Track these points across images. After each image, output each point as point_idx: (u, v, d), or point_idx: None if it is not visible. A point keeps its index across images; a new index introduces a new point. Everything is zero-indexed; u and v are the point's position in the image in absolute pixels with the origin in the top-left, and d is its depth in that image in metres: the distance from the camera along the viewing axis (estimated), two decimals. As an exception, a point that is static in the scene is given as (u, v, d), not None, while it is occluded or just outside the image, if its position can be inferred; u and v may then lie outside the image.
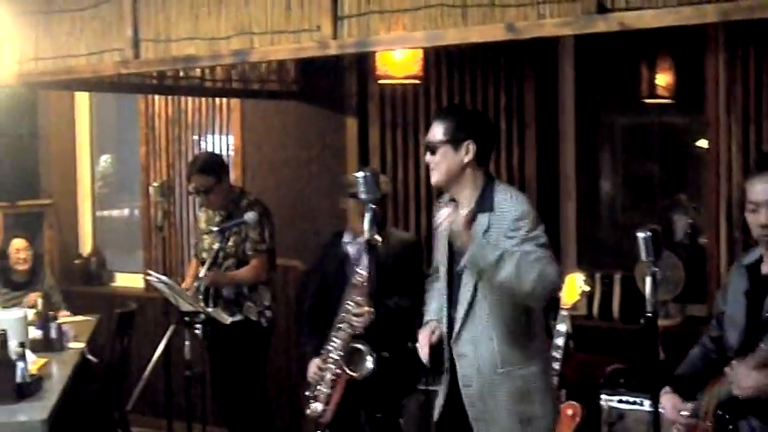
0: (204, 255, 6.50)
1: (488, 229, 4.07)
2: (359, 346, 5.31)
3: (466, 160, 4.15)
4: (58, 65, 5.53)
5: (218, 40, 4.85)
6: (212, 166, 6.51)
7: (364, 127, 7.14)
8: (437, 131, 4.16)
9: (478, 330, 4.12)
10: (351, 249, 5.71)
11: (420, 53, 6.34)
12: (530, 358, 4.16)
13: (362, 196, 4.14)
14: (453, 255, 4.20)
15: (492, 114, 6.64)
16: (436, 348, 4.25)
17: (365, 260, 5.03)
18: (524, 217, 4.06)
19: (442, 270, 4.30)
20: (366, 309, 5.25)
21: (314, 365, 5.60)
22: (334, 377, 5.51)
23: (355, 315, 5.38)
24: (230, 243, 6.40)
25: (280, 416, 6.85)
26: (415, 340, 4.36)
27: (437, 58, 6.71)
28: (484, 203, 4.15)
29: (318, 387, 5.59)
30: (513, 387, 4.13)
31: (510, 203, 4.11)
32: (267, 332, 6.56)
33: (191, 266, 6.83)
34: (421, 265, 5.69)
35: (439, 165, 4.16)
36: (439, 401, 4.34)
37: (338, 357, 5.45)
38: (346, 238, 5.76)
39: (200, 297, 6.28)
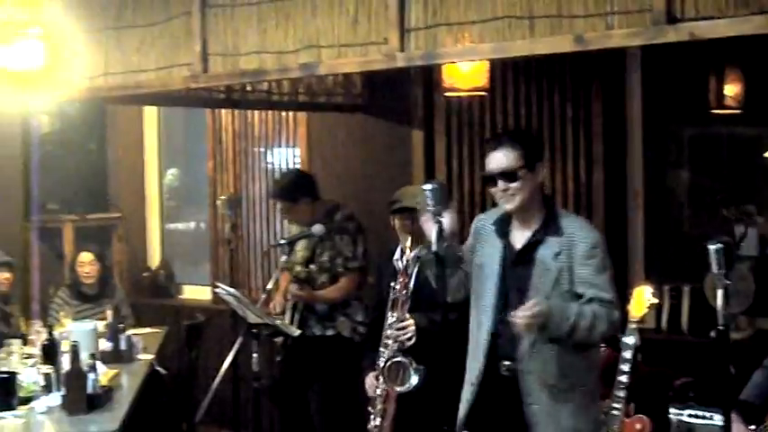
0: (298, 268, 6.53)
1: (559, 254, 4.08)
2: (401, 359, 5.32)
3: (539, 182, 4.19)
4: (128, 80, 5.58)
5: (285, 53, 4.86)
6: (287, 187, 6.56)
7: (430, 139, 7.14)
8: (511, 158, 4.14)
9: (548, 349, 4.10)
10: (400, 265, 5.75)
11: (486, 65, 6.33)
12: (589, 373, 4.18)
13: (430, 208, 4.13)
14: (507, 273, 4.20)
15: (558, 126, 6.62)
16: None
17: (415, 273, 5.14)
18: (598, 246, 4.09)
19: (490, 285, 4.27)
20: (408, 322, 5.27)
21: (369, 380, 5.60)
22: (384, 391, 5.52)
23: (399, 329, 5.40)
24: (324, 258, 6.43)
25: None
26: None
27: (503, 69, 6.69)
28: (550, 227, 4.15)
29: (376, 402, 5.60)
30: (573, 406, 4.12)
31: (581, 231, 4.13)
32: (359, 347, 6.52)
33: (281, 280, 6.81)
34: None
35: (521, 190, 4.14)
36: (462, 412, 4.33)
37: (383, 371, 5.49)
38: (396, 254, 5.80)
39: (291, 311, 6.35)
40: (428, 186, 4.15)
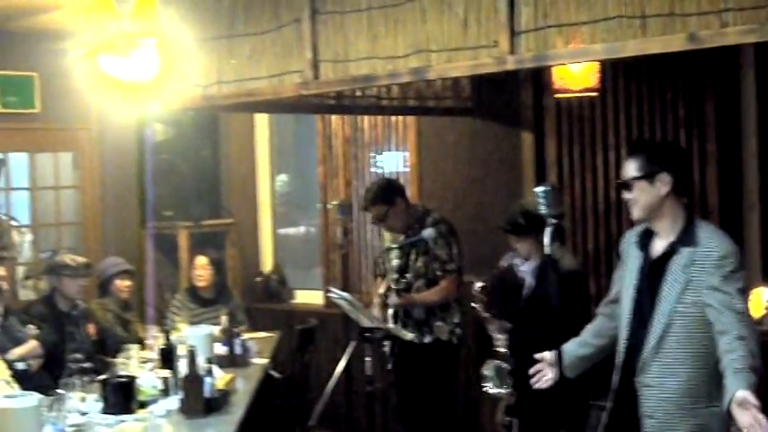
0: (393, 274, 6.56)
1: (690, 265, 4.04)
2: (496, 363, 5.45)
3: (663, 192, 4.14)
4: (240, 88, 5.65)
5: (395, 58, 4.88)
6: (381, 194, 6.56)
7: (540, 141, 7.11)
8: (630, 168, 4.17)
9: (668, 362, 4.06)
10: (525, 273, 5.77)
11: (597, 65, 6.29)
12: (715, 398, 4.01)
13: (543, 211, 4.12)
14: (643, 284, 4.16)
15: (671, 126, 6.53)
16: None
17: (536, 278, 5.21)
18: (729, 256, 4.02)
19: (627, 297, 4.24)
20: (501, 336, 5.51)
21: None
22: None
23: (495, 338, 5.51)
24: (419, 263, 6.45)
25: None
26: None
27: (614, 69, 6.63)
28: (686, 237, 4.11)
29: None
30: (695, 424, 4.05)
31: (713, 241, 4.07)
32: (457, 350, 6.56)
33: (376, 286, 6.85)
34: (578, 297, 5.62)
35: (637, 201, 4.16)
36: (604, 419, 4.31)
37: (485, 374, 5.59)
38: (518, 262, 5.79)
39: (390, 317, 6.38)
40: (541, 189, 4.15)
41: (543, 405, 5.40)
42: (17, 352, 6.31)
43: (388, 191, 6.60)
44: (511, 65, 4.51)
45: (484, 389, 5.74)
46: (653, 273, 4.16)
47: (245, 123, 9.32)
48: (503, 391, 5.62)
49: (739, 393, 3.69)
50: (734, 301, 3.94)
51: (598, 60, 5.79)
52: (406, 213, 6.55)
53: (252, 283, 9.24)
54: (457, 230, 6.56)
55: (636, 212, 4.19)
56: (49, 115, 8.59)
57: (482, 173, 7.51)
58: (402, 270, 6.51)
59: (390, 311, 6.47)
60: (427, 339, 6.47)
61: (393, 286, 6.50)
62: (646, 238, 4.25)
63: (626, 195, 4.20)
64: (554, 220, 4.11)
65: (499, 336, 5.71)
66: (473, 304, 5.82)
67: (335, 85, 5.30)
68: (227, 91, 5.74)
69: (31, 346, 6.44)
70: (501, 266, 6.00)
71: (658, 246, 4.19)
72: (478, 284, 5.73)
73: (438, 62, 4.74)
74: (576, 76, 6.35)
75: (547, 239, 4.11)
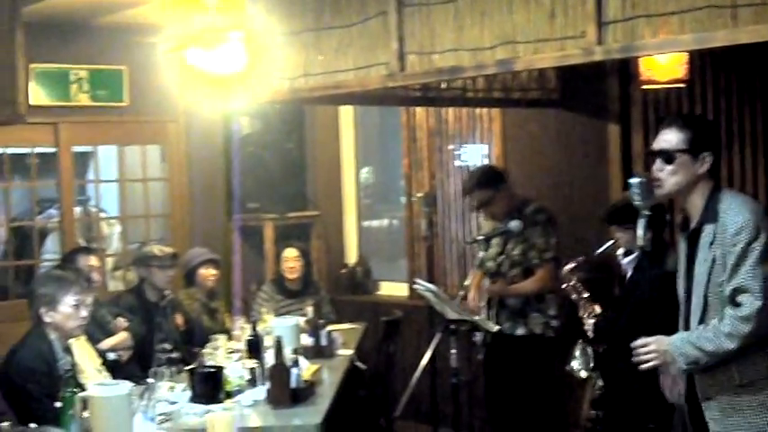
0: (490, 264, 6.54)
1: (713, 242, 3.95)
2: (587, 348, 5.46)
3: (701, 172, 4.04)
4: (327, 80, 5.67)
5: (482, 50, 4.86)
6: (486, 179, 6.55)
7: (627, 133, 7.03)
8: (674, 139, 4.04)
9: None
10: (627, 265, 5.75)
11: (685, 56, 6.20)
12: None
13: (636, 202, 4.09)
14: (688, 267, 4.11)
15: (761, 117, 6.42)
16: None
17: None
18: (741, 230, 3.89)
19: (680, 283, 4.19)
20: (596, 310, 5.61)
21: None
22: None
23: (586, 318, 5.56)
24: (516, 252, 6.43)
25: (553, 424, 6.77)
26: None
27: (702, 59, 6.54)
28: (708, 214, 4.01)
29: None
30: (755, 400, 3.97)
31: (729, 214, 3.95)
32: (553, 343, 6.49)
33: (473, 278, 6.83)
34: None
35: (673, 174, 4.04)
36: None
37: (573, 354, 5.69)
38: (620, 255, 5.77)
39: (485, 307, 6.38)
40: (635, 180, 4.11)
41: (630, 398, 5.40)
42: (108, 343, 6.42)
43: (493, 176, 6.59)
44: (598, 56, 4.47)
45: (568, 368, 5.73)
46: (690, 255, 4.09)
47: (330, 116, 9.37)
48: (585, 373, 5.61)
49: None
50: (746, 282, 3.84)
51: (687, 51, 5.71)
52: (508, 200, 6.53)
53: (337, 274, 9.29)
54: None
55: (667, 187, 4.05)
56: (137, 108, 8.72)
57: (567, 165, 7.46)
58: (498, 259, 6.48)
59: (484, 300, 6.45)
60: (520, 331, 6.42)
61: (488, 275, 6.48)
62: (687, 220, 4.15)
63: (662, 167, 4.05)
64: (647, 212, 4.07)
65: (589, 320, 5.68)
66: (563, 286, 5.79)
67: (421, 77, 5.29)
68: (314, 83, 5.76)
69: (122, 337, 6.55)
70: (601, 253, 5.96)
71: (691, 226, 4.11)
72: (569, 266, 5.70)
73: (524, 53, 4.70)
74: (663, 66, 6.27)
75: (640, 231, 4.08)
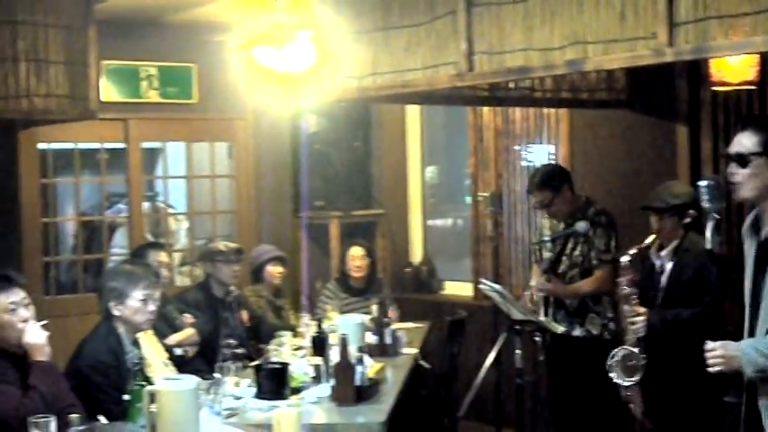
0: (548, 263, 6.53)
1: None
2: (628, 350, 5.38)
3: None
4: (395, 79, 5.68)
5: (551, 50, 4.84)
6: (549, 179, 6.54)
7: (695, 135, 6.96)
8: (749, 142, 3.93)
9: None
10: (656, 261, 5.69)
11: (756, 57, 6.13)
12: None
13: (705, 205, 4.05)
14: (756, 270, 4.04)
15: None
16: None
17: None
18: None
19: (746, 285, 4.12)
20: (640, 318, 5.49)
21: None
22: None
23: (630, 322, 5.51)
24: (576, 252, 6.41)
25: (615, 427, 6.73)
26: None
27: (774, 62, 6.47)
28: None
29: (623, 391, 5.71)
30: None
31: None
32: (610, 346, 6.46)
33: (534, 274, 6.83)
34: (717, 278, 5.52)
35: (751, 178, 3.93)
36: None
37: (615, 362, 5.56)
38: (652, 250, 5.72)
39: (542, 305, 6.35)
40: (703, 182, 4.07)
41: (675, 404, 5.38)
42: (175, 338, 6.49)
43: (555, 177, 6.59)
44: (669, 57, 4.43)
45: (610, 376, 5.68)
46: (761, 258, 3.97)
47: (397, 115, 9.38)
48: (627, 382, 5.56)
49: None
50: None
51: (759, 53, 5.64)
52: (570, 201, 6.53)
53: (401, 273, 9.30)
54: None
55: (744, 192, 3.95)
56: (206, 105, 8.80)
57: (635, 167, 7.41)
58: (557, 259, 6.47)
59: (542, 299, 6.43)
60: (577, 332, 6.42)
61: (546, 275, 6.46)
62: (759, 221, 4.05)
63: (737, 171, 3.95)
64: (717, 216, 4.03)
65: (633, 319, 5.59)
66: (618, 279, 5.74)
67: (490, 76, 5.28)
68: (382, 82, 5.77)
69: (189, 332, 6.61)
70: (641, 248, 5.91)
71: (764, 232, 4.00)
72: (625, 258, 5.65)
73: (594, 54, 4.68)
74: (734, 68, 6.20)
75: (709, 234, 4.04)
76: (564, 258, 6.47)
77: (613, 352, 5.59)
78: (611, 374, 5.60)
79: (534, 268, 6.90)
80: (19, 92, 6.85)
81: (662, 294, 5.65)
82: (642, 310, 5.55)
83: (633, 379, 5.52)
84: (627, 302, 5.58)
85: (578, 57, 4.74)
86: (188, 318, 6.66)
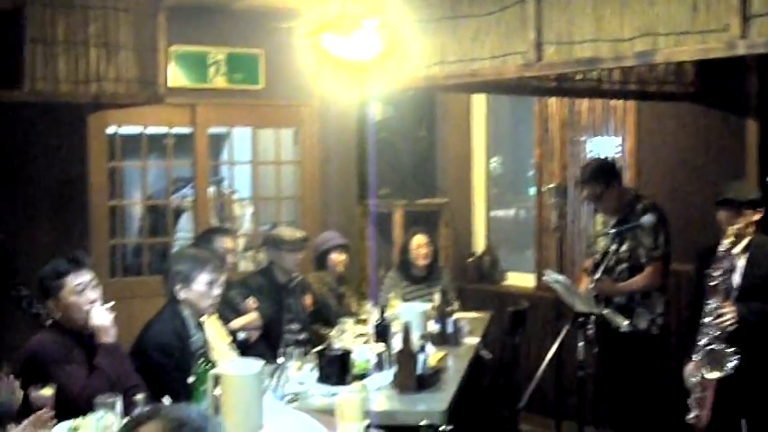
0: (598, 257, 6.50)
1: None
2: (718, 346, 5.30)
3: None
4: (463, 68, 5.66)
5: (621, 41, 4.81)
6: (600, 173, 6.52)
7: (766, 129, 6.89)
8: None
9: None
10: (726, 258, 5.64)
11: (831, 52, 6.04)
12: None
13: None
14: None
15: None
16: None
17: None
18: None
19: None
20: (729, 308, 5.42)
21: (687, 369, 5.59)
22: (702, 380, 5.48)
23: (719, 315, 5.42)
24: (624, 248, 6.38)
25: (669, 424, 6.69)
26: None
27: None
28: None
29: (695, 392, 5.58)
30: None
31: None
32: (658, 340, 6.45)
33: (584, 269, 6.81)
34: None
35: None
36: None
37: (699, 359, 5.47)
38: (722, 247, 5.66)
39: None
40: None
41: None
42: (238, 322, 6.53)
43: (605, 172, 6.57)
44: (742, 49, 4.38)
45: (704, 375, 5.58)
46: None
47: (462, 104, 9.35)
48: (720, 374, 5.48)
49: None
50: None
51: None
52: (618, 197, 6.50)
53: (464, 263, 9.28)
54: (669, 219, 6.46)
55: None
56: (272, 92, 8.83)
57: (702, 161, 7.34)
58: (607, 255, 6.43)
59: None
60: (625, 327, 6.37)
61: (596, 272, 6.42)
62: None
63: None
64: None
65: (722, 311, 5.52)
66: (706, 271, 5.65)
67: (559, 67, 5.25)
68: (449, 71, 5.76)
69: (252, 317, 6.64)
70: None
71: None
72: (721, 249, 5.58)
73: (665, 46, 4.64)
74: (807, 62, 6.13)
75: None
76: (614, 254, 6.42)
77: (698, 344, 5.53)
78: (703, 371, 5.51)
79: (588, 262, 6.85)
80: (89, 76, 6.95)
81: (736, 292, 5.59)
82: (729, 303, 5.50)
83: (717, 374, 5.44)
84: (715, 295, 5.51)
85: (649, 48, 4.71)
86: (251, 302, 6.70)
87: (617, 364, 6.46)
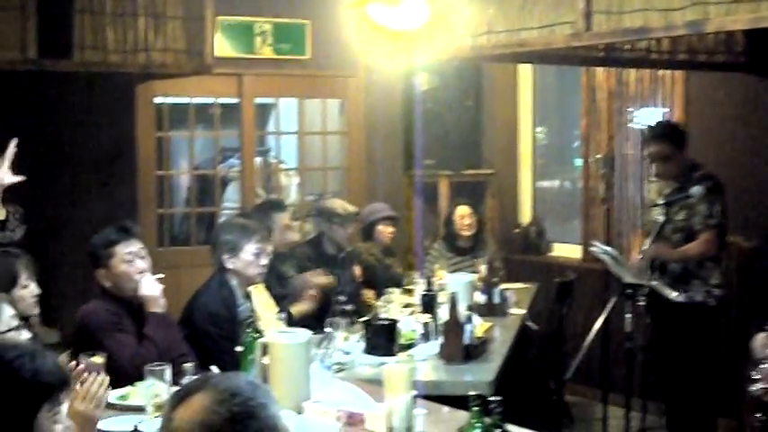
0: (654, 227, 6.44)
1: None
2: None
3: None
4: (511, 38, 5.62)
5: (671, 11, 4.75)
6: (671, 133, 6.45)
7: (817, 100, 6.81)
8: None
9: None
10: None
11: None
12: None
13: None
14: None
15: None
16: None
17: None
18: None
19: None
20: None
21: (757, 339, 5.50)
22: None
23: None
24: (680, 217, 6.31)
25: (721, 396, 6.64)
26: None
27: None
28: None
29: (763, 365, 5.49)
30: None
31: None
32: (715, 312, 6.38)
33: (637, 238, 6.78)
34: None
35: None
36: None
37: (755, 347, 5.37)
38: None
39: (647, 269, 6.25)
40: None
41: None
42: (297, 309, 6.43)
43: (677, 132, 6.50)
44: (795, 18, 4.33)
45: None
46: None
47: (508, 75, 9.30)
48: None
49: None
50: None
51: None
52: (680, 162, 6.42)
53: (510, 234, 9.26)
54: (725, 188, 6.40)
55: None
56: (318, 62, 8.82)
57: (754, 132, 7.25)
58: (663, 223, 6.38)
59: (647, 264, 6.34)
60: (680, 298, 6.32)
61: (651, 239, 6.38)
62: None
63: None
64: None
65: None
66: None
67: (607, 36, 5.20)
68: (497, 41, 5.72)
69: (309, 307, 6.52)
70: None
71: None
72: None
73: (716, 15, 4.58)
74: None
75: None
76: (669, 223, 6.36)
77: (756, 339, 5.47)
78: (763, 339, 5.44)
79: (639, 232, 6.80)
80: (137, 46, 6.97)
81: None
82: None
83: None
84: None
85: (699, 18, 4.65)
86: (319, 274, 6.67)
87: (671, 336, 6.39)
